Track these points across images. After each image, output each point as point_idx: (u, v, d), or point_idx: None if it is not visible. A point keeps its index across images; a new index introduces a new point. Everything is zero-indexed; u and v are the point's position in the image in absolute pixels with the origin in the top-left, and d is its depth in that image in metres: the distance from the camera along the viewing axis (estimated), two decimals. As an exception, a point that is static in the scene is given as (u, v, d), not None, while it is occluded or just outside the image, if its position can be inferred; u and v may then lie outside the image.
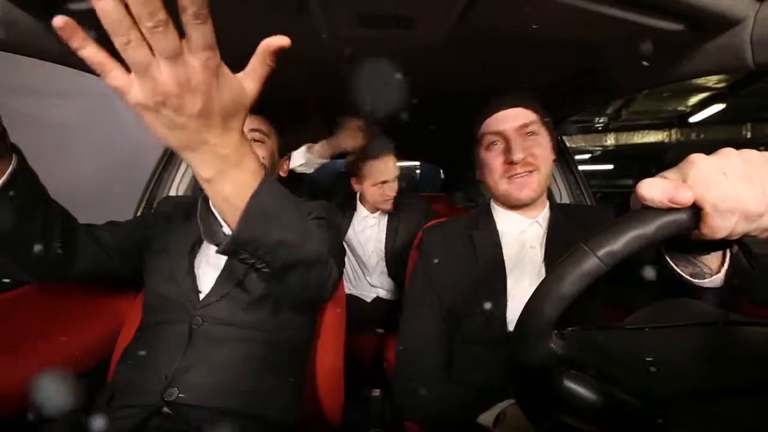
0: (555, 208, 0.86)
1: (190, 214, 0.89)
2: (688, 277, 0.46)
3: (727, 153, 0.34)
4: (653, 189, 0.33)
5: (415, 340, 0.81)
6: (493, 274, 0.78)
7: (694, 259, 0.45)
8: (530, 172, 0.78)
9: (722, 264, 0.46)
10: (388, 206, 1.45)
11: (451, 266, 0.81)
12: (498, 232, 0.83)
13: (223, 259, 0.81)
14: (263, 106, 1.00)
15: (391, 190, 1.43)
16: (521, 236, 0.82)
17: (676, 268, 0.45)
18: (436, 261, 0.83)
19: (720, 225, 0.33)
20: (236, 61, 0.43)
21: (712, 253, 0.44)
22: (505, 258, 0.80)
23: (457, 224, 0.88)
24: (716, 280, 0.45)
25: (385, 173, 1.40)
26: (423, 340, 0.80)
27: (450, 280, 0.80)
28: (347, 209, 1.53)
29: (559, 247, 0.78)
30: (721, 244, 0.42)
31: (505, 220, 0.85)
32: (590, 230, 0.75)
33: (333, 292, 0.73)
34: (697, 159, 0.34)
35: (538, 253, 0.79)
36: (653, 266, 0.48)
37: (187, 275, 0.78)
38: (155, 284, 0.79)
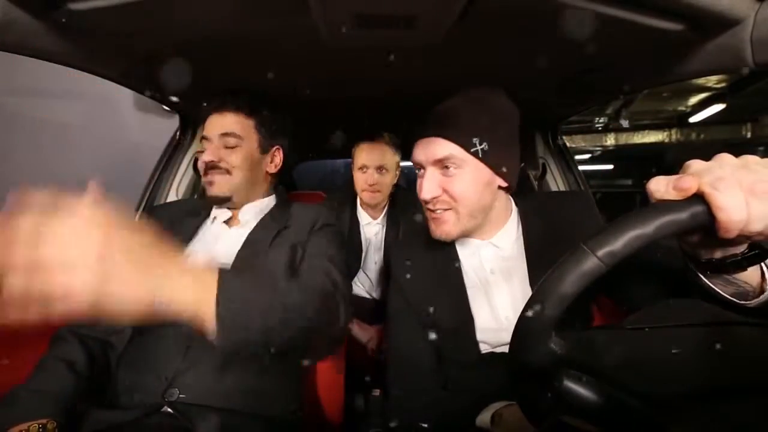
0: (524, 203, 0.81)
1: (169, 223, 0.87)
2: (731, 298, 0.44)
3: (721, 155, 0.37)
4: (659, 182, 0.36)
5: (401, 350, 0.79)
6: (455, 297, 0.76)
7: (732, 278, 0.43)
8: (446, 210, 0.71)
9: (764, 279, 0.44)
10: (370, 199, 1.38)
11: (418, 284, 0.80)
12: (458, 256, 0.79)
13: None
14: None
15: (373, 178, 1.34)
16: (476, 258, 0.78)
17: (714, 287, 0.44)
18: (403, 283, 0.81)
19: (729, 203, 0.32)
20: (236, 61, 0.43)
21: (749, 269, 0.42)
22: (465, 281, 0.77)
23: (424, 246, 0.83)
24: (763, 299, 0.43)
25: (366, 156, 1.34)
26: (407, 349, 0.78)
27: (418, 297, 0.78)
28: (352, 216, 1.47)
29: (535, 250, 0.75)
30: (756, 258, 0.40)
31: (460, 242, 0.79)
32: (570, 219, 0.71)
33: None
34: (692, 161, 0.37)
35: (497, 278, 0.76)
36: (688, 286, 0.46)
37: None
38: None
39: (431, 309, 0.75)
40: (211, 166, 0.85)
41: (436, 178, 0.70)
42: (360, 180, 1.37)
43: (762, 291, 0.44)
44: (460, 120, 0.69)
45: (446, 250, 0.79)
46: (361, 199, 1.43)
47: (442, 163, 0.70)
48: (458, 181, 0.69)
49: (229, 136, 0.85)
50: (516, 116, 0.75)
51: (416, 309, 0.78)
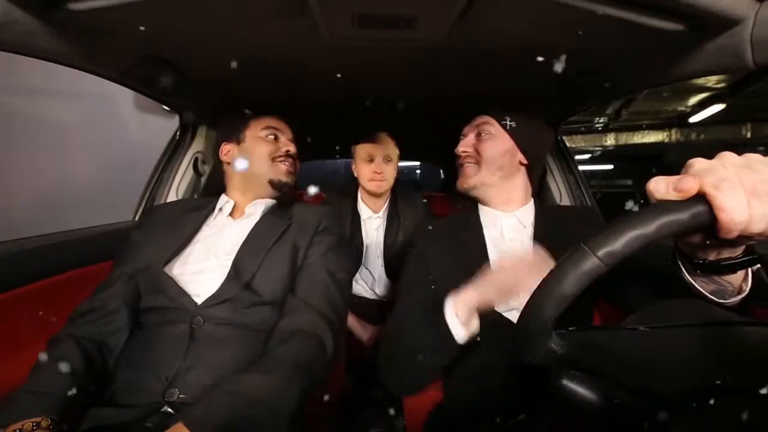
0: (541, 207, 0.92)
1: (168, 221, 0.89)
2: (710, 296, 0.45)
3: (723, 153, 0.36)
4: (659, 182, 0.36)
5: (405, 317, 0.81)
6: (478, 264, 0.80)
7: (718, 278, 0.44)
8: (471, 163, 0.90)
9: (745, 281, 0.45)
10: (377, 188, 1.40)
11: (441, 258, 0.86)
12: (482, 226, 0.90)
13: (224, 260, 0.81)
14: (263, 108, 1.00)
15: (380, 167, 1.37)
16: (498, 228, 0.88)
17: (695, 284, 0.45)
18: (428, 252, 0.89)
19: (731, 204, 0.32)
20: (236, 61, 0.43)
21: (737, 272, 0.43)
22: (489, 252, 0.86)
23: (448, 221, 0.96)
24: (738, 299, 0.45)
25: (373, 147, 1.38)
26: (411, 317, 0.81)
27: (441, 269, 0.84)
28: (353, 212, 1.48)
29: (542, 241, 0.81)
30: (746, 263, 0.41)
31: (484, 215, 0.92)
32: (574, 230, 0.75)
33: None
34: (695, 159, 0.37)
35: (517, 246, 0.85)
36: (671, 281, 0.47)
37: (172, 286, 0.77)
38: (144, 297, 0.79)
39: (452, 272, 0.81)
40: (293, 156, 0.97)
41: (471, 140, 0.92)
42: (366, 170, 1.39)
43: (740, 291, 0.45)
44: (499, 106, 0.92)
45: (471, 221, 0.91)
46: (366, 190, 1.44)
47: (478, 129, 0.91)
48: (486, 143, 0.89)
49: (293, 143, 0.99)
50: (544, 126, 0.96)
51: (436, 272, 0.85)
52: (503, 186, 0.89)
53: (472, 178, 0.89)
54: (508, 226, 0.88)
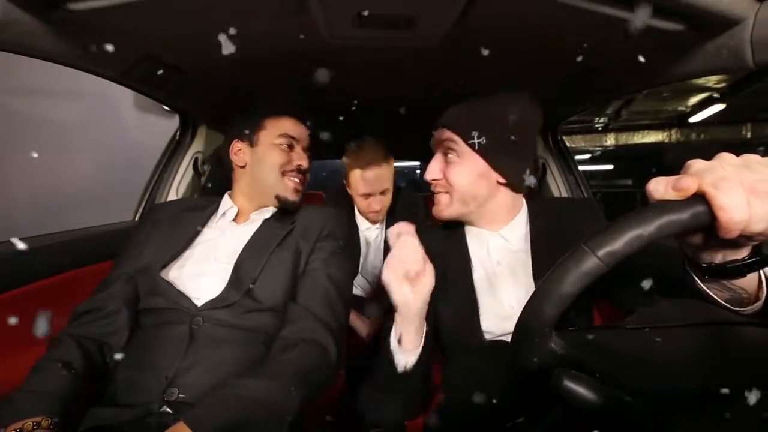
0: (533, 209, 0.84)
1: (169, 221, 0.88)
2: (725, 303, 0.44)
3: (722, 154, 0.36)
4: (659, 182, 0.36)
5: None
6: (462, 284, 0.78)
7: (729, 284, 0.43)
8: (443, 192, 0.79)
9: (760, 287, 0.44)
10: (375, 217, 1.38)
11: None
12: (467, 245, 0.82)
13: (224, 264, 0.81)
14: (262, 107, 1.00)
15: (378, 203, 1.32)
16: (484, 248, 0.81)
17: (709, 292, 0.44)
18: None
19: (730, 203, 0.32)
20: (236, 60, 0.43)
21: (747, 276, 0.42)
22: (473, 270, 0.79)
23: (434, 237, 0.85)
24: (757, 307, 0.44)
25: (368, 185, 1.27)
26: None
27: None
28: (350, 221, 1.43)
29: (541, 243, 0.78)
30: (753, 265, 0.40)
31: (470, 234, 0.84)
32: (573, 227, 0.72)
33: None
34: (694, 160, 0.37)
35: (503, 269, 0.79)
36: (671, 281, 0.47)
37: (170, 289, 0.77)
38: (143, 298, 0.79)
39: (438, 295, 0.75)
40: (303, 171, 0.95)
41: (440, 164, 0.79)
42: (363, 204, 1.34)
43: (757, 299, 0.44)
44: (464, 115, 0.76)
45: (456, 239, 0.83)
46: (365, 216, 1.42)
47: (445, 148, 0.77)
48: (455, 169, 0.76)
49: (308, 152, 0.98)
50: (527, 120, 0.77)
51: None
52: (482, 211, 0.79)
53: (446, 210, 0.79)
54: (494, 245, 0.81)
